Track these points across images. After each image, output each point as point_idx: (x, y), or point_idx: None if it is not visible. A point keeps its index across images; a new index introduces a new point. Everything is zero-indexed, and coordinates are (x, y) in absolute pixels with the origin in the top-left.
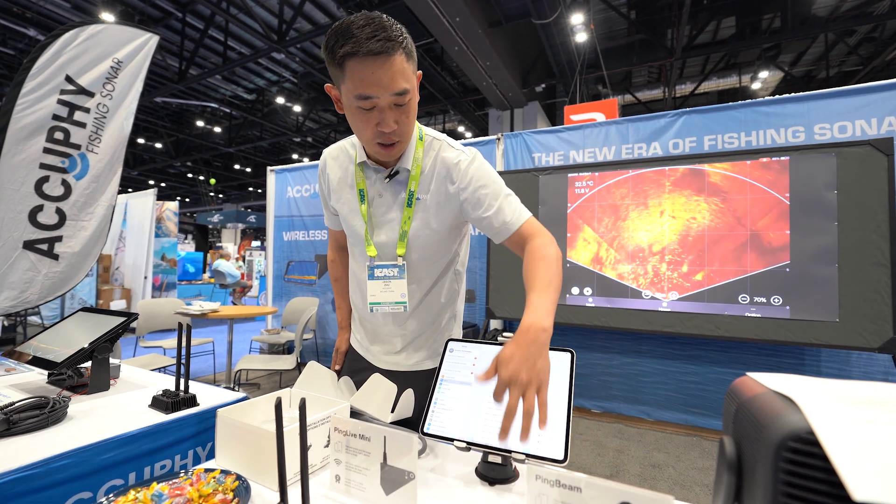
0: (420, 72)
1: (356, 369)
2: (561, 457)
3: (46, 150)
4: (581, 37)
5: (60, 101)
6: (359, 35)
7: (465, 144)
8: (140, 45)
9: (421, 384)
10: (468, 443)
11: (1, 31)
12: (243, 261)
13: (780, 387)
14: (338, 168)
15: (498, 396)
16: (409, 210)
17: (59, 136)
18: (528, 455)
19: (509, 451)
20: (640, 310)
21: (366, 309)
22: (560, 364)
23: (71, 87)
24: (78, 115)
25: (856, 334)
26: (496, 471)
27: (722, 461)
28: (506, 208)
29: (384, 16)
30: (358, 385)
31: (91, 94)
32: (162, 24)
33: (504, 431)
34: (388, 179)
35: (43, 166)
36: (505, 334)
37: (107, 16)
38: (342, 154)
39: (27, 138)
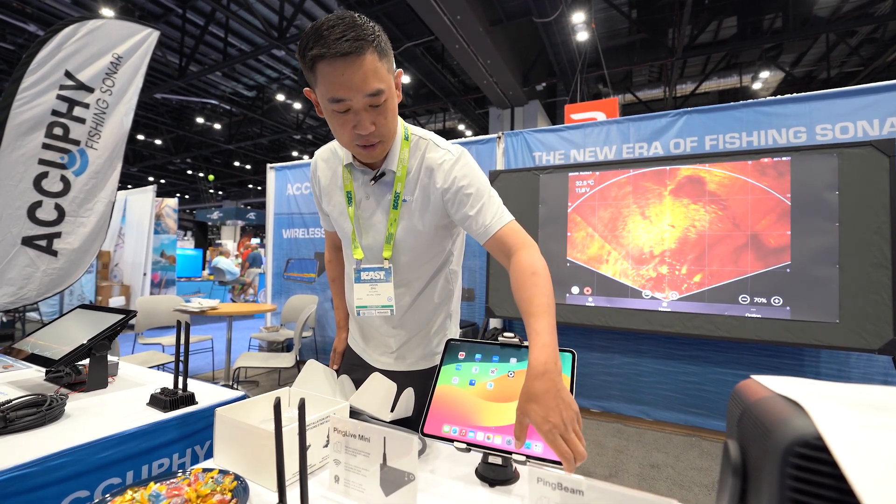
0: (400, 70)
1: (352, 367)
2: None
3: (45, 146)
4: (582, 35)
5: (60, 97)
6: (327, 36)
7: (466, 142)
8: (140, 41)
9: (417, 384)
10: (468, 443)
11: (0, 25)
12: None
13: (786, 390)
14: (328, 170)
15: (558, 451)
16: (395, 212)
17: (58, 131)
18: (528, 456)
19: (510, 453)
20: (639, 309)
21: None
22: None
23: (70, 83)
24: (77, 111)
25: (856, 335)
26: (496, 472)
27: (727, 465)
28: (486, 211)
29: (356, 15)
30: (354, 383)
31: (91, 90)
32: (162, 20)
33: (570, 469)
34: (373, 181)
35: (42, 162)
36: (506, 334)
37: (107, 11)
38: (332, 156)
39: (26, 134)
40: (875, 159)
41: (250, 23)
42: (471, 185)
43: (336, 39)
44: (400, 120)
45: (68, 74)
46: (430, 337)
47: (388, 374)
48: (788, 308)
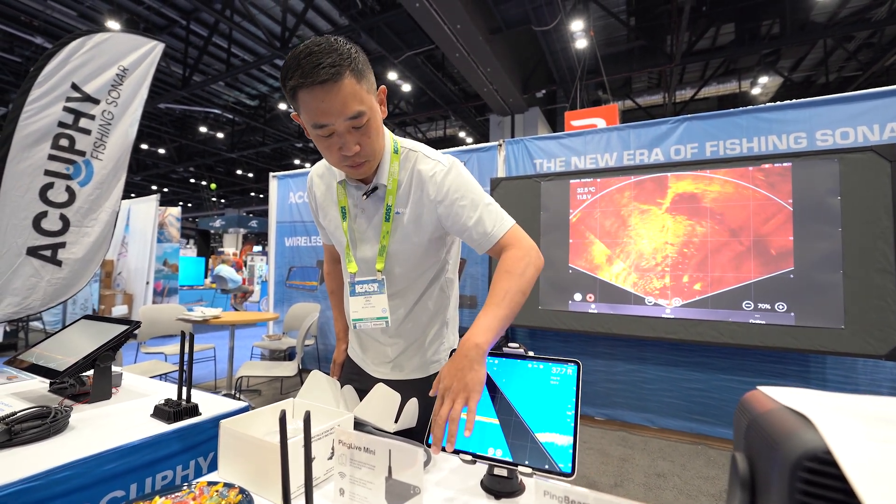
0: (383, 86)
1: (351, 378)
2: (568, 470)
3: (51, 157)
4: (581, 43)
5: (66, 109)
6: (305, 65)
7: (467, 150)
8: (146, 53)
9: (415, 394)
10: (474, 455)
11: (8, 38)
12: (244, 265)
13: (793, 402)
14: (323, 185)
15: (435, 410)
16: (388, 225)
17: (64, 142)
18: (534, 468)
19: (515, 465)
20: (643, 316)
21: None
22: (566, 376)
23: (77, 95)
24: (83, 122)
25: (862, 341)
26: (502, 484)
27: (734, 478)
28: (486, 219)
29: (332, 39)
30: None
31: (96, 102)
32: (166, 32)
33: (436, 441)
34: (365, 196)
35: (48, 173)
36: (511, 345)
37: (112, 24)
38: (327, 172)
39: (32, 145)
40: (876, 164)
41: (253, 33)
42: (465, 196)
43: (313, 68)
44: (389, 134)
45: (75, 87)
46: (426, 347)
47: (386, 384)
48: (793, 314)
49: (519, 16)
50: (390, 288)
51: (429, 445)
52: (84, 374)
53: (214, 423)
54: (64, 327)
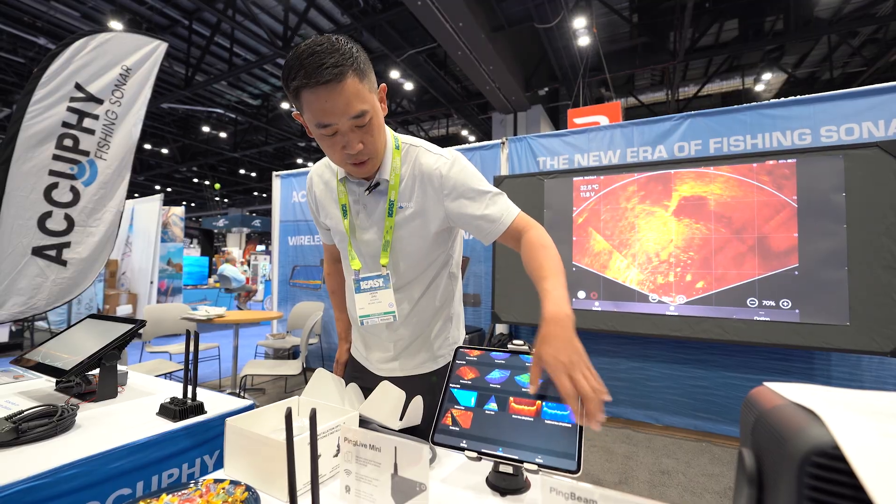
0: (384, 84)
1: (354, 377)
2: (574, 468)
3: (56, 157)
4: (583, 40)
5: (70, 109)
6: (308, 66)
7: (470, 148)
8: (148, 53)
9: (419, 390)
10: (479, 452)
11: (11, 39)
12: (248, 265)
13: (801, 398)
14: (322, 184)
15: (564, 386)
16: (391, 220)
17: (68, 142)
18: (540, 465)
19: (521, 461)
20: (647, 314)
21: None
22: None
23: (80, 95)
24: (87, 122)
25: (867, 338)
26: (507, 481)
27: (742, 474)
28: (493, 208)
29: (333, 38)
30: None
31: (100, 101)
32: (169, 32)
33: (579, 415)
34: (368, 192)
35: (52, 173)
36: (516, 342)
37: (115, 24)
38: (327, 170)
39: (37, 145)
40: (881, 160)
41: (255, 33)
42: (471, 188)
43: (316, 68)
44: (390, 130)
45: (78, 87)
46: (432, 340)
47: (390, 380)
48: (798, 311)
49: (521, 13)
50: (395, 282)
51: (435, 443)
52: (90, 372)
53: (220, 421)
54: (69, 326)
